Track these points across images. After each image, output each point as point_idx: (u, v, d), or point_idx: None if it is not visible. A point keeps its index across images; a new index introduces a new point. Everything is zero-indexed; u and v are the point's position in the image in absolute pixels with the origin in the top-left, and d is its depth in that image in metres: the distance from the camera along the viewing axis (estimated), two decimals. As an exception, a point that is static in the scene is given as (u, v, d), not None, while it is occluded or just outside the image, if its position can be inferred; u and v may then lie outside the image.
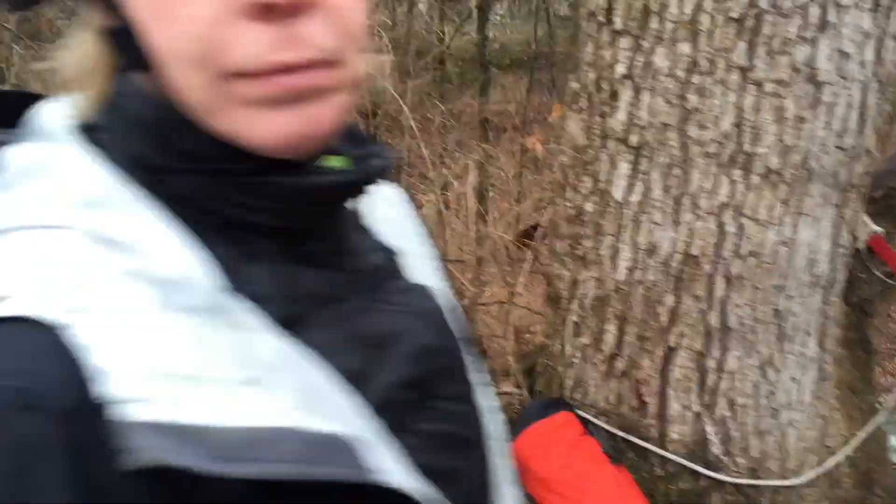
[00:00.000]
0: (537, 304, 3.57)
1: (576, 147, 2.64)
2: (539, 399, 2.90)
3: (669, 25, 2.27)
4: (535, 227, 3.32)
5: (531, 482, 2.77)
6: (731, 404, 2.62)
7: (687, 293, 2.52)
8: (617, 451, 2.72)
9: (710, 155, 2.33)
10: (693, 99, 2.30)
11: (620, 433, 2.76)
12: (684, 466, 2.70)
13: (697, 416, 2.66)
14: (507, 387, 3.31)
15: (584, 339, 2.78)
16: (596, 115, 2.52)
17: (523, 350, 3.56)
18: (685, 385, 2.63)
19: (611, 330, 2.69)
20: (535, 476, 2.74)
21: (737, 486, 2.68)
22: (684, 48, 2.26)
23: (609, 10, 2.39)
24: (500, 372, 3.45)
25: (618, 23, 2.37)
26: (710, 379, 2.60)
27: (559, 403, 2.83)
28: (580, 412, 2.79)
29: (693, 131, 2.33)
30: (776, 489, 2.70)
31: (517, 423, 2.89)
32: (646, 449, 2.74)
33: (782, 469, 2.70)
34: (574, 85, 2.65)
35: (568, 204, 2.73)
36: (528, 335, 3.71)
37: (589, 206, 2.62)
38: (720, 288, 2.48)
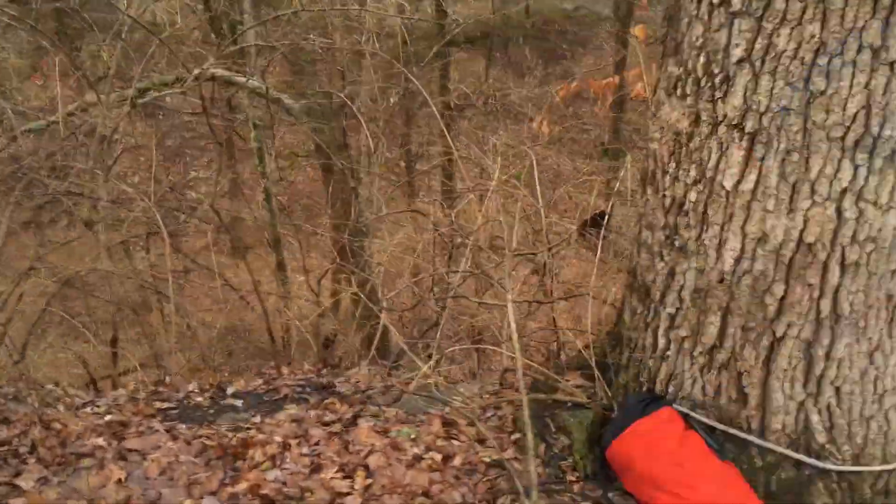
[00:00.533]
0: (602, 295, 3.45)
1: (676, 134, 2.51)
2: (636, 395, 2.78)
3: (797, 5, 2.14)
4: (601, 216, 3.18)
5: (635, 482, 2.65)
6: (838, 392, 2.53)
7: (798, 281, 2.41)
8: (718, 445, 2.62)
9: (833, 139, 2.22)
10: (819, 81, 2.18)
11: (720, 426, 2.65)
12: (786, 456, 2.60)
13: (801, 405, 2.56)
14: (576, 379, 3.18)
15: (682, 332, 2.66)
16: (704, 100, 2.39)
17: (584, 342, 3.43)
18: (791, 374, 2.53)
19: (713, 321, 2.57)
20: (640, 475, 2.61)
21: (840, 473, 2.59)
22: (812, 28, 2.14)
23: (725, -9, 2.25)
24: (564, 365, 3.32)
25: (736, 3, 2.24)
26: (818, 367, 2.50)
27: (657, 399, 2.71)
28: (679, 407, 2.68)
29: (817, 115, 2.21)
30: (879, 474, 2.63)
31: (615, 420, 2.76)
32: (746, 440, 2.63)
33: (884, 454, 2.62)
34: (673, 69, 2.51)
35: (665, 193, 2.60)
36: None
37: (693, 196, 2.49)
38: (834, 275, 2.38)
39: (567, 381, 3.20)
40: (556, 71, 16.65)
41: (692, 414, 2.65)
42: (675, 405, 2.67)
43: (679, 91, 2.47)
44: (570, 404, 3.06)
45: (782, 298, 2.44)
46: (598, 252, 3.07)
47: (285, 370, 4.15)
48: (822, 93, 2.19)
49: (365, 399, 3.45)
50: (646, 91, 3.91)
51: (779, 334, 2.49)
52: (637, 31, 4.44)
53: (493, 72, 15.68)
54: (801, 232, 2.35)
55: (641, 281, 2.79)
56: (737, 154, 2.35)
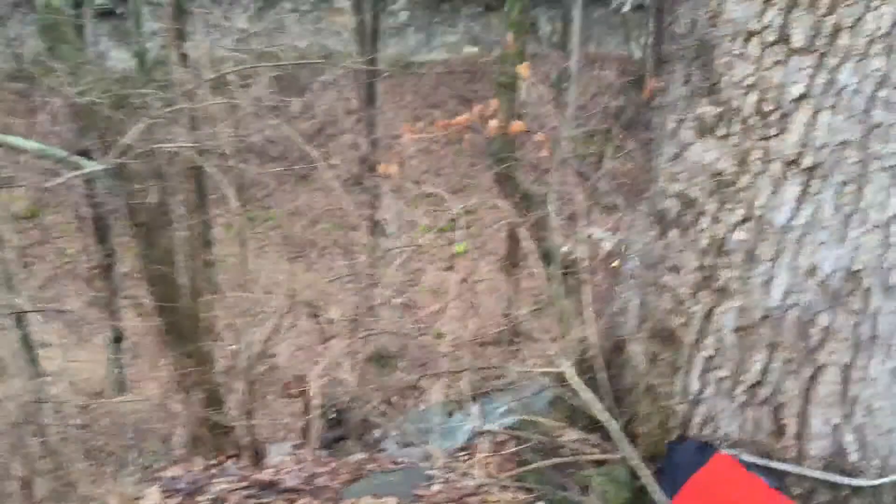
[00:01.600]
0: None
1: (716, 174, 2.38)
2: (680, 445, 2.59)
3: (861, 41, 2.09)
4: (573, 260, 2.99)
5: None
6: (869, 410, 2.53)
7: (843, 309, 2.37)
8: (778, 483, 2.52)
9: (887, 168, 2.21)
10: (878, 114, 2.16)
11: (760, 461, 2.55)
12: (822, 480, 2.56)
13: (835, 428, 2.53)
14: (571, 433, 2.93)
15: (722, 372, 2.52)
16: (754, 139, 2.28)
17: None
18: (829, 400, 2.49)
19: (758, 358, 2.46)
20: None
21: (874, 487, 2.59)
22: (876, 63, 2.11)
23: (784, 29, 2.16)
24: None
25: (797, 41, 2.15)
26: (854, 389, 2.49)
27: (707, 446, 2.56)
28: (729, 451, 2.54)
29: (875, 146, 2.19)
30: (896, 483, 2.66)
31: (666, 475, 2.57)
32: (783, 471, 2.56)
33: (901, 463, 2.67)
34: (707, 109, 2.38)
35: (700, 235, 2.46)
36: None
37: (740, 235, 2.37)
38: (876, 299, 2.37)
39: (561, 435, 2.96)
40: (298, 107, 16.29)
41: (743, 457, 2.52)
42: (723, 450, 2.52)
43: (721, 131, 2.34)
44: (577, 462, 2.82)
45: (826, 328, 2.39)
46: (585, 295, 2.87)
47: (198, 465, 3.49)
48: (881, 124, 2.17)
49: (339, 494, 2.96)
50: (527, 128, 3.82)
51: (821, 363, 2.44)
52: (523, 69, 4.34)
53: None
54: (851, 260, 2.31)
55: (662, 325, 2.63)
56: (792, 190, 2.27)
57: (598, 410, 2.44)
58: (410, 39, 16.41)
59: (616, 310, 2.91)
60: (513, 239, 14.33)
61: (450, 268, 15.51)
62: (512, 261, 14.57)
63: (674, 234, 2.54)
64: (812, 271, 2.34)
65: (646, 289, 2.70)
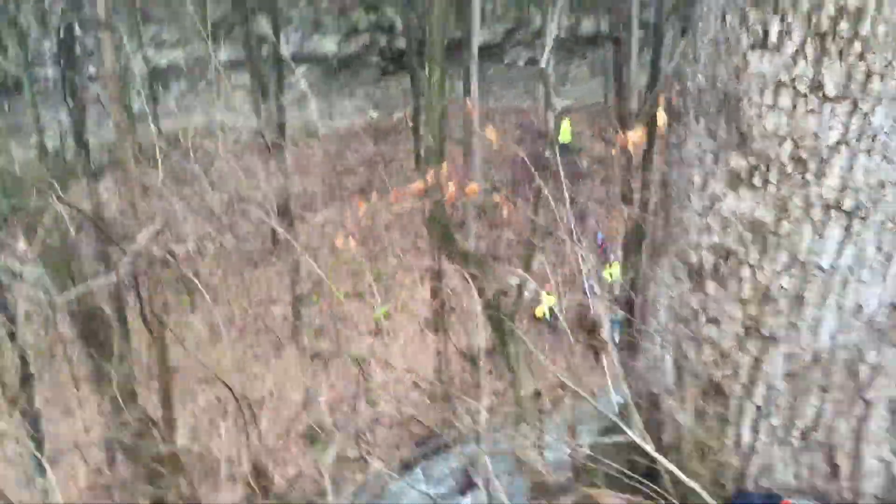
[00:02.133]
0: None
1: (755, 223, 2.39)
2: (746, 497, 2.54)
3: (893, 84, 2.15)
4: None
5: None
6: (914, 441, 2.56)
7: (888, 344, 2.40)
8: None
9: (924, 204, 2.26)
10: (913, 152, 2.21)
11: (818, 504, 2.54)
12: (878, 514, 2.56)
13: (888, 464, 2.54)
14: (610, 498, 2.84)
15: (775, 420, 2.50)
16: (792, 186, 2.30)
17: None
18: (879, 436, 2.50)
19: (811, 402, 2.46)
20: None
21: (926, 517, 2.61)
22: (907, 103, 2.17)
23: (816, 78, 2.20)
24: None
25: (831, 90, 2.19)
26: (901, 421, 2.51)
27: (774, 496, 2.52)
28: (793, 500, 2.51)
29: (911, 184, 2.24)
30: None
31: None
32: (842, 512, 2.55)
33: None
34: (739, 161, 2.39)
35: (743, 284, 2.45)
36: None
37: (784, 281, 2.38)
38: (917, 331, 2.41)
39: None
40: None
41: (803, 502, 2.50)
42: (788, 498, 2.50)
43: (756, 180, 2.35)
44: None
45: (875, 365, 2.41)
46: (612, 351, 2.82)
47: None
48: (916, 162, 2.22)
49: None
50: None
51: (871, 399, 2.45)
52: (489, 132, 4.35)
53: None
54: (892, 295, 2.34)
55: (707, 380, 2.60)
56: (835, 233, 2.29)
57: (681, 476, 2.37)
58: (312, 108, 16.29)
59: (646, 366, 2.87)
60: (435, 297, 14.27)
61: (376, 332, 15.27)
62: (437, 319, 14.48)
63: (711, 286, 2.53)
64: (858, 310, 2.36)
65: (681, 344, 2.67)
